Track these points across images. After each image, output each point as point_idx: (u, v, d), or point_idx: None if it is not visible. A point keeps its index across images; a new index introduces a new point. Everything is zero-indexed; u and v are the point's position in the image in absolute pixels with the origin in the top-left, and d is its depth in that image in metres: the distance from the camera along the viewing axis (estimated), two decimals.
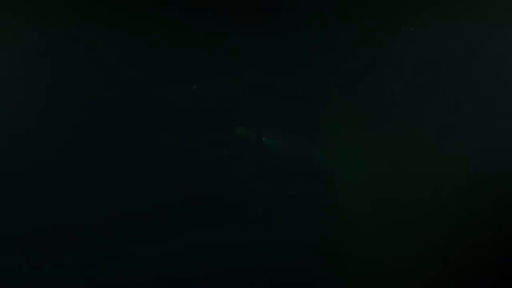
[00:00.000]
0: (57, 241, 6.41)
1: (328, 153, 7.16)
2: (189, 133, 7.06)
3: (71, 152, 6.62)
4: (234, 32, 7.45)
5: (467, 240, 6.53)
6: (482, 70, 6.43)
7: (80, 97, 6.70)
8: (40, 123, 6.41)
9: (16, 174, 6.19)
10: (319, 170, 7.27)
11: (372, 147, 6.87)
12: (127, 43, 7.16)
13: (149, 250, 6.48)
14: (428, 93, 6.70)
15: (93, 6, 6.45)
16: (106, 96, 6.69)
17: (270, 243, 7.39)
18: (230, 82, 7.50)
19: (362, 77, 7.02)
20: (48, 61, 6.39)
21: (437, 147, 6.64)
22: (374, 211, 6.78)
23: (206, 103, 7.31)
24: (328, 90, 7.19)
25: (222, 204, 7.22)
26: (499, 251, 6.27)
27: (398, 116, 6.90)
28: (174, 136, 6.90)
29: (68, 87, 6.67)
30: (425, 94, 6.74)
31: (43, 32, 6.33)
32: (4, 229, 6.03)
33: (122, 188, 6.62)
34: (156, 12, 7.30)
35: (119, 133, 6.59)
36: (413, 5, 6.96)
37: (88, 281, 6.34)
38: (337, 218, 7.29)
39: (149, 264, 6.47)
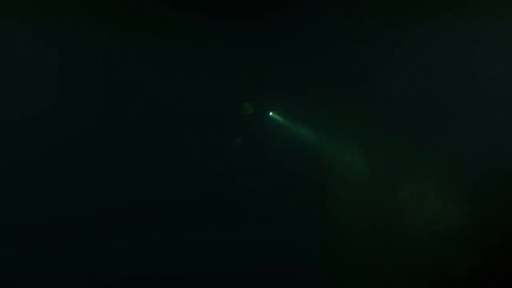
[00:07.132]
0: (64, 235, 6.32)
1: (326, 157, 7.15)
2: (190, 133, 7.01)
3: (87, 149, 6.58)
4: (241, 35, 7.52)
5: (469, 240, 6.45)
6: (483, 72, 6.45)
7: (92, 96, 6.70)
8: (46, 121, 6.37)
9: (15, 169, 6.14)
10: (317, 173, 7.26)
11: (372, 147, 6.85)
12: (139, 44, 7.18)
13: (147, 247, 6.38)
14: (429, 96, 6.71)
15: (103, 7, 6.52)
16: (114, 95, 6.71)
17: (272, 245, 7.28)
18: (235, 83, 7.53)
19: (361, 80, 7.04)
20: (54, 61, 6.41)
21: (436, 149, 6.62)
22: (373, 214, 6.71)
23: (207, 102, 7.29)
24: (327, 92, 7.19)
25: (225, 204, 7.14)
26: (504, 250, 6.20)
27: (398, 118, 6.91)
28: (174, 136, 6.87)
29: (78, 86, 6.67)
30: (425, 97, 6.75)
31: (50, 33, 6.36)
32: (3, 225, 5.96)
33: (120, 188, 6.55)
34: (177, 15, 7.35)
35: (120, 132, 6.58)
36: (417, 11, 7.05)
37: (91, 277, 6.24)
38: (337, 220, 7.23)
39: (148, 260, 6.34)
